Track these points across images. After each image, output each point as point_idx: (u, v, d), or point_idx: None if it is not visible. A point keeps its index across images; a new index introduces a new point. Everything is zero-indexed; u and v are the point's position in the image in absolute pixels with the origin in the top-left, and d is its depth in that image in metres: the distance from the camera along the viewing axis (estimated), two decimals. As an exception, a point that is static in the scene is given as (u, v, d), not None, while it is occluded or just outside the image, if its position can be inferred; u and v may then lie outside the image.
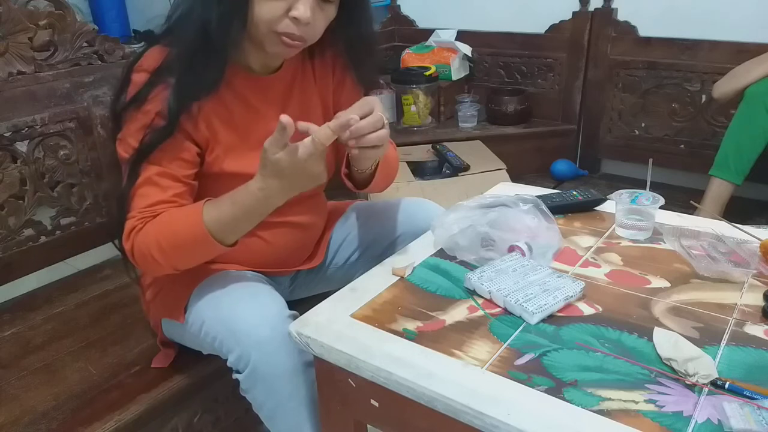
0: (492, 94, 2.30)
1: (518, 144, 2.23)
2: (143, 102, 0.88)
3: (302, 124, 0.81)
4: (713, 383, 0.68)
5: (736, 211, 1.57)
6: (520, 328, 0.80)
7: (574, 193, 1.17)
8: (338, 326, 0.82)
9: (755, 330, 0.79)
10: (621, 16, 2.09)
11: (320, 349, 0.80)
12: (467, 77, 2.42)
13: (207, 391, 1.10)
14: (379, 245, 1.14)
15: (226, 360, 0.91)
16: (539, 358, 0.74)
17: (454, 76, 2.34)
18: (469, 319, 0.83)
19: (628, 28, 2.07)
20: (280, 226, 1.03)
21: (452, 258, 0.99)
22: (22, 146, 1.23)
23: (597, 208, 1.17)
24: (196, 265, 0.94)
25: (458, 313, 0.84)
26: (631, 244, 1.02)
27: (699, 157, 1.89)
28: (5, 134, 1.19)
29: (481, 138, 2.18)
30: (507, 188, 1.27)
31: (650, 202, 1.02)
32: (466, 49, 2.35)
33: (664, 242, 1.02)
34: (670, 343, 0.74)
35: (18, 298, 1.33)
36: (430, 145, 2.14)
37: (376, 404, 0.79)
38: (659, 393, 0.68)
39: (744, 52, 1.76)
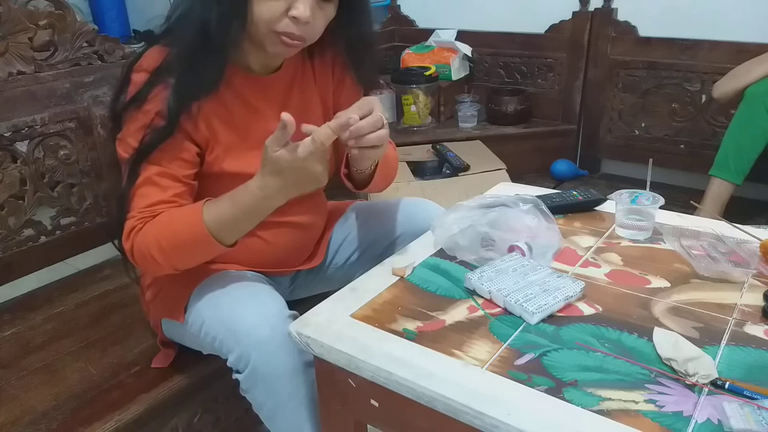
0: (492, 94, 2.30)
1: (518, 144, 2.22)
2: (143, 102, 0.88)
3: (306, 127, 0.81)
4: (713, 383, 0.68)
5: (736, 211, 1.57)
6: (520, 328, 0.80)
7: (574, 193, 1.17)
8: (338, 326, 0.82)
9: (755, 330, 0.79)
10: (621, 16, 2.09)
11: (320, 349, 0.80)
12: (467, 77, 2.42)
13: (207, 391, 1.10)
14: (379, 245, 1.14)
15: (226, 360, 0.91)
16: (539, 358, 0.74)
17: (454, 76, 2.34)
18: (469, 319, 0.83)
19: (628, 28, 2.07)
20: (280, 226, 1.03)
21: (452, 258, 0.99)
22: (22, 146, 1.23)
23: (597, 208, 1.17)
24: (196, 265, 0.94)
25: (458, 313, 0.84)
26: (631, 244, 1.02)
27: (699, 157, 1.89)
28: (5, 134, 1.19)
29: (481, 138, 2.18)
30: (507, 188, 1.27)
31: (650, 202, 1.02)
32: (466, 49, 2.35)
33: (664, 242, 1.02)
34: (670, 343, 0.74)
35: (18, 298, 1.33)
36: (430, 145, 2.13)
37: (376, 404, 0.79)
38: (659, 393, 0.68)
39: (744, 52, 1.76)
